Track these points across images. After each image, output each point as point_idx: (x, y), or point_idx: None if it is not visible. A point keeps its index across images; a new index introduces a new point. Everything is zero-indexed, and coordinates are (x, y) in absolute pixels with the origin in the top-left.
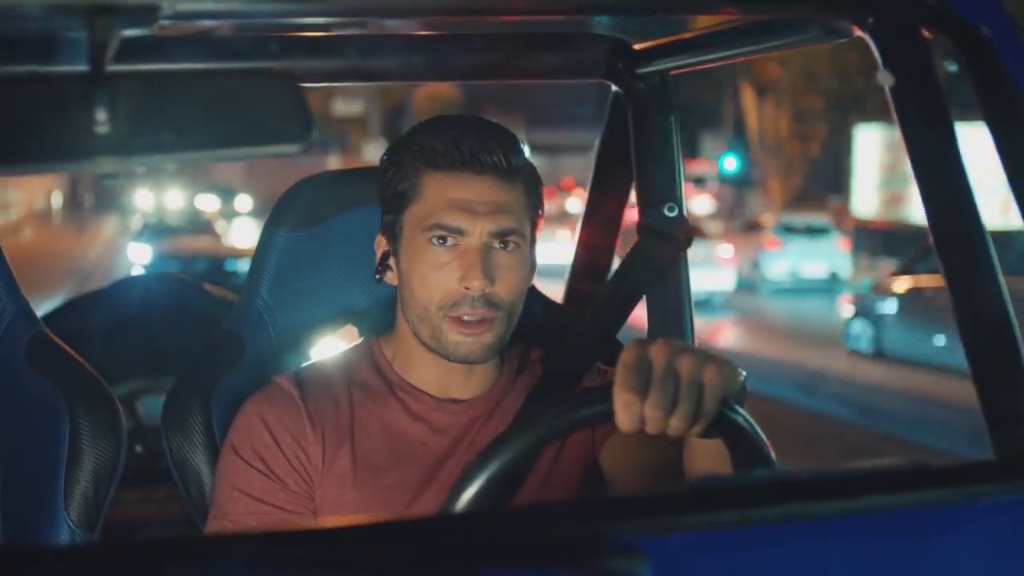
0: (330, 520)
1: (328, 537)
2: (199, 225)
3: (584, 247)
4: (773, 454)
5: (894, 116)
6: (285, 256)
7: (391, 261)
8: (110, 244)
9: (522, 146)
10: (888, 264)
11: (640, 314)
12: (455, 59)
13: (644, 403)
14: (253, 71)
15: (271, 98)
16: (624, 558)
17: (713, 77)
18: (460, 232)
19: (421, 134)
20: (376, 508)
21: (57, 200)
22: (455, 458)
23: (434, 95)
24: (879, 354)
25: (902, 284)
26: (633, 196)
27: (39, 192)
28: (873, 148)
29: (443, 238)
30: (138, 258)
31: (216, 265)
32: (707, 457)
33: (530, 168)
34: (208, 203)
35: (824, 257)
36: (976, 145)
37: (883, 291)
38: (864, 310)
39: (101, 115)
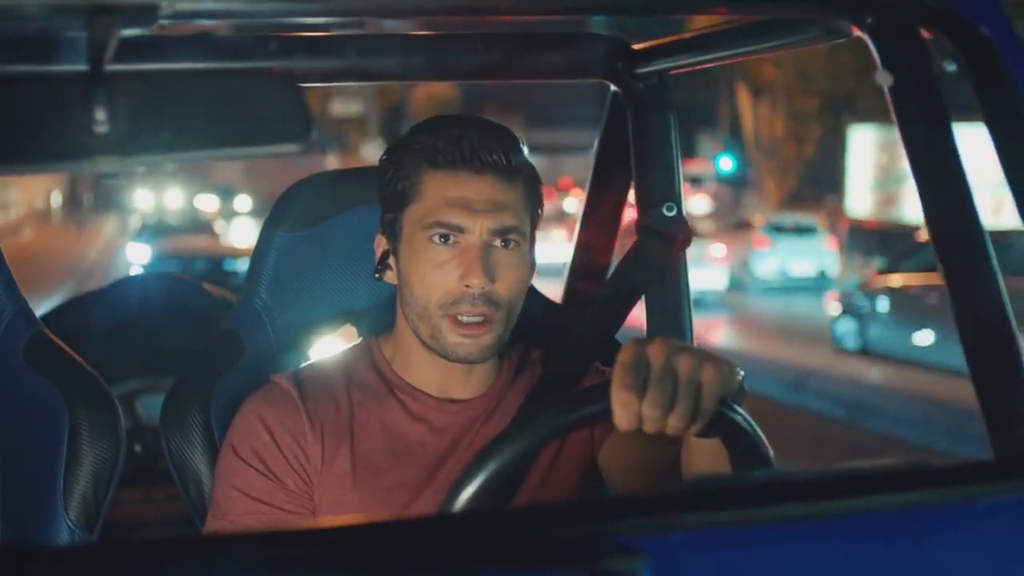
0: (329, 520)
1: (327, 537)
2: (198, 225)
3: (583, 247)
4: (772, 454)
5: (892, 116)
6: (284, 256)
7: (391, 260)
8: (109, 244)
9: (523, 145)
10: (900, 266)
11: (639, 314)
12: (455, 59)
13: (642, 402)
14: (253, 71)
15: (271, 98)
16: (623, 558)
17: (709, 78)
18: (460, 230)
19: (421, 133)
20: (375, 508)
21: (57, 200)
22: (454, 458)
23: (433, 95)
24: (864, 351)
25: (886, 282)
26: (632, 196)
27: (39, 192)
28: (867, 149)
29: (444, 236)
30: (137, 258)
31: (215, 265)
32: (705, 456)
33: (530, 167)
34: (208, 203)
35: (813, 256)
36: (966, 147)
37: (868, 289)
38: (850, 308)
39: (100, 115)
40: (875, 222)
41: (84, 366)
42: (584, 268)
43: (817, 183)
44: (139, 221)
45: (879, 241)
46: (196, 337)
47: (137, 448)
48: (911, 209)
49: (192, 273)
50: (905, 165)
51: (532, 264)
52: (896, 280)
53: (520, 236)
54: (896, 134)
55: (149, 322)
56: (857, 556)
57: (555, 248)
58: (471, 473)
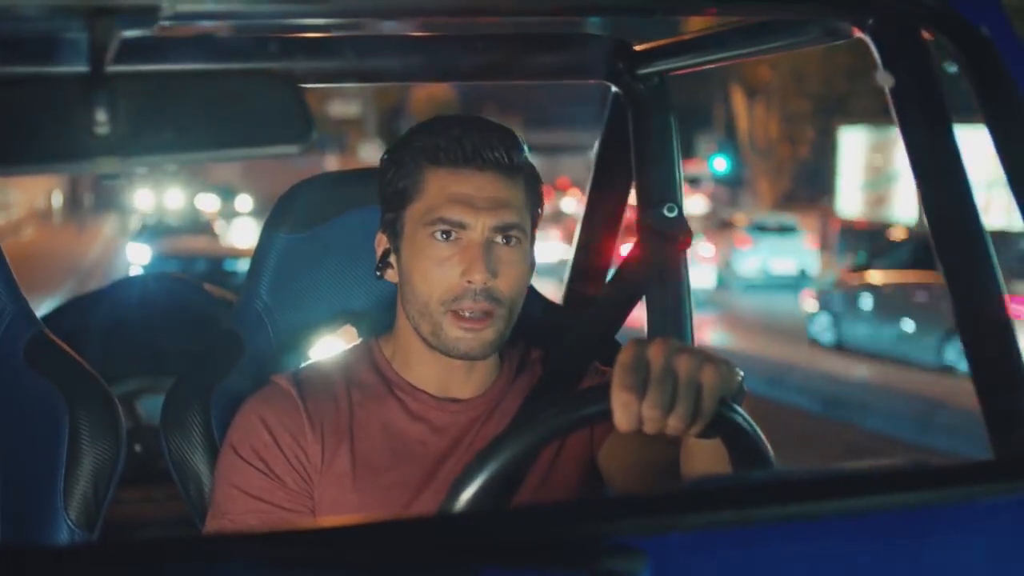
0: (329, 520)
1: (327, 537)
2: (198, 225)
3: (584, 247)
4: (772, 453)
5: (893, 116)
6: (284, 257)
7: (392, 259)
8: (110, 244)
9: (523, 145)
10: (873, 263)
11: (639, 315)
12: (455, 60)
13: (642, 403)
14: (253, 72)
15: (271, 99)
16: (623, 558)
17: (705, 79)
18: (462, 226)
19: (422, 133)
20: (375, 508)
21: (57, 200)
22: (454, 458)
23: (432, 96)
24: (839, 346)
25: (860, 279)
26: (632, 196)
27: (40, 192)
28: (857, 150)
29: (446, 232)
30: (137, 258)
31: (215, 265)
32: (705, 457)
33: (531, 166)
34: (208, 203)
35: (793, 255)
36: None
37: (843, 286)
38: (826, 304)
39: (101, 116)
40: (865, 222)
41: (84, 366)
42: (585, 268)
43: (811, 184)
44: (139, 221)
45: (869, 241)
46: (196, 337)
47: (137, 448)
48: (900, 209)
49: (192, 273)
50: (894, 166)
51: (532, 263)
52: (869, 277)
53: (521, 233)
54: (885, 135)
55: (149, 322)
56: (857, 556)
57: (551, 247)
58: (471, 473)
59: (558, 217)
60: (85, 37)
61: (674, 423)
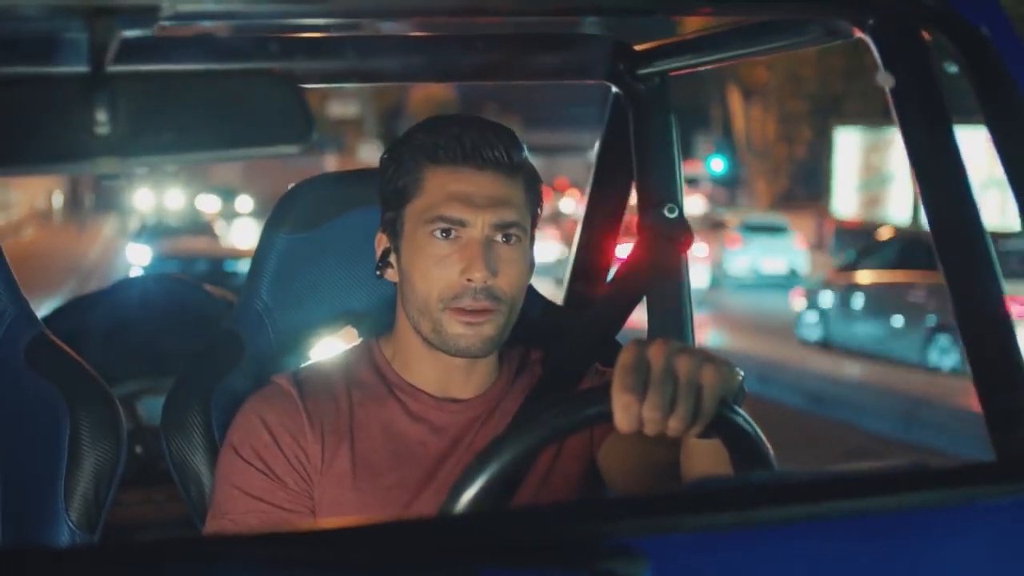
0: (329, 520)
1: (327, 537)
2: (198, 226)
3: (584, 248)
4: (773, 454)
5: (893, 116)
6: (285, 257)
7: (391, 258)
8: (110, 244)
9: (523, 144)
10: (861, 263)
11: (639, 316)
12: (456, 60)
13: (642, 404)
14: (253, 72)
15: (271, 99)
16: (623, 559)
17: (702, 80)
18: (462, 224)
19: (421, 132)
20: (375, 508)
21: (58, 200)
22: (454, 458)
23: (431, 96)
24: (826, 344)
25: (847, 279)
26: (633, 197)
27: (40, 192)
28: (852, 150)
29: (446, 231)
30: (137, 259)
31: (215, 266)
32: (705, 458)
33: (530, 166)
34: (209, 204)
35: (783, 254)
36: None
37: (830, 285)
38: (813, 303)
39: (101, 116)
40: (860, 222)
41: (85, 367)
42: (585, 269)
43: (807, 184)
44: (139, 222)
45: (864, 241)
46: (197, 338)
47: (138, 449)
48: (895, 210)
49: (193, 274)
50: (889, 167)
51: (532, 262)
52: (856, 277)
53: (521, 231)
54: (880, 136)
55: (150, 323)
56: (857, 557)
57: (549, 247)
58: (471, 474)
59: (556, 217)
60: (85, 37)
61: (674, 424)
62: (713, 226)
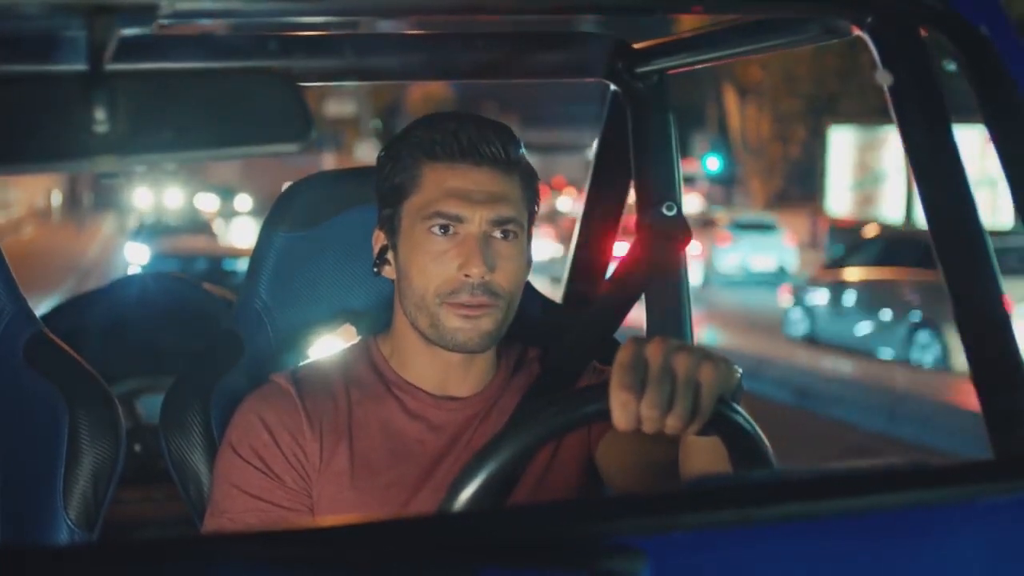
0: (328, 519)
1: (326, 536)
2: (197, 225)
3: (583, 246)
4: (772, 452)
5: (892, 116)
6: (284, 256)
7: (389, 255)
8: (109, 242)
9: (520, 141)
10: (846, 260)
11: (638, 314)
12: (454, 58)
13: (640, 402)
14: (252, 70)
15: (270, 97)
16: (623, 558)
17: (697, 79)
18: (459, 220)
19: (419, 128)
20: (374, 506)
21: (57, 199)
22: (452, 456)
23: (429, 95)
24: (812, 340)
25: (833, 276)
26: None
27: (39, 191)
28: (846, 149)
29: (444, 227)
30: (135, 258)
31: (215, 265)
32: (704, 455)
33: (527, 162)
34: (208, 203)
35: (772, 251)
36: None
37: (816, 282)
38: (800, 300)
39: (100, 114)
40: (853, 221)
41: (84, 366)
42: (584, 267)
43: (802, 183)
44: (137, 221)
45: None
46: (196, 337)
47: (137, 448)
48: (888, 208)
49: (192, 273)
50: (882, 166)
51: (529, 259)
52: (841, 274)
53: (518, 227)
54: (873, 135)
55: (149, 321)
56: (857, 556)
57: (544, 245)
58: (470, 472)
59: (553, 216)
60: (84, 35)
61: (673, 422)
62: (704, 224)
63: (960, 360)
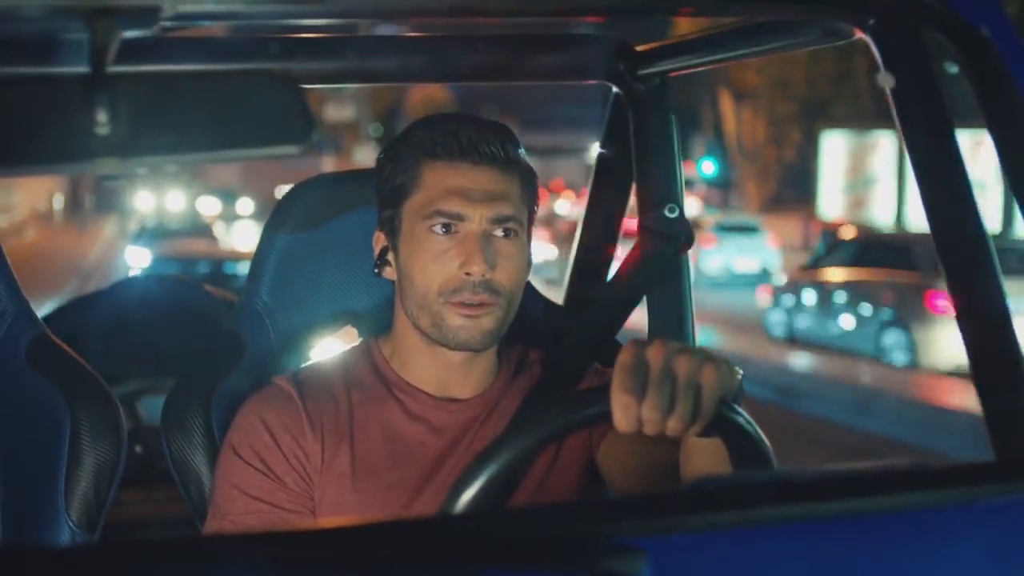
0: (329, 520)
1: (327, 538)
2: (197, 228)
3: (584, 248)
4: (772, 453)
5: (894, 117)
6: (285, 258)
7: (389, 256)
8: (110, 245)
9: (519, 140)
10: (823, 262)
11: (639, 316)
12: (456, 60)
13: (641, 404)
14: (254, 72)
15: (272, 99)
16: (623, 558)
17: (693, 83)
18: (460, 218)
19: (418, 129)
20: (375, 508)
21: (59, 202)
22: (453, 458)
23: (429, 98)
24: (791, 339)
25: (811, 277)
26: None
27: (41, 194)
28: (838, 153)
29: (445, 226)
30: (136, 261)
31: (216, 268)
32: (705, 457)
33: (526, 162)
34: (209, 206)
35: (756, 253)
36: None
37: (795, 283)
38: (779, 300)
39: (102, 116)
40: (845, 224)
41: (86, 367)
42: (585, 269)
43: (796, 187)
44: (137, 224)
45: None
46: (197, 338)
47: (138, 449)
48: (879, 212)
49: (193, 276)
50: (873, 169)
51: (529, 259)
52: (819, 275)
53: (518, 226)
54: (865, 139)
55: (150, 323)
56: (857, 556)
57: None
58: (471, 474)
59: (551, 219)
60: (86, 37)
61: (673, 424)
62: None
63: (927, 357)
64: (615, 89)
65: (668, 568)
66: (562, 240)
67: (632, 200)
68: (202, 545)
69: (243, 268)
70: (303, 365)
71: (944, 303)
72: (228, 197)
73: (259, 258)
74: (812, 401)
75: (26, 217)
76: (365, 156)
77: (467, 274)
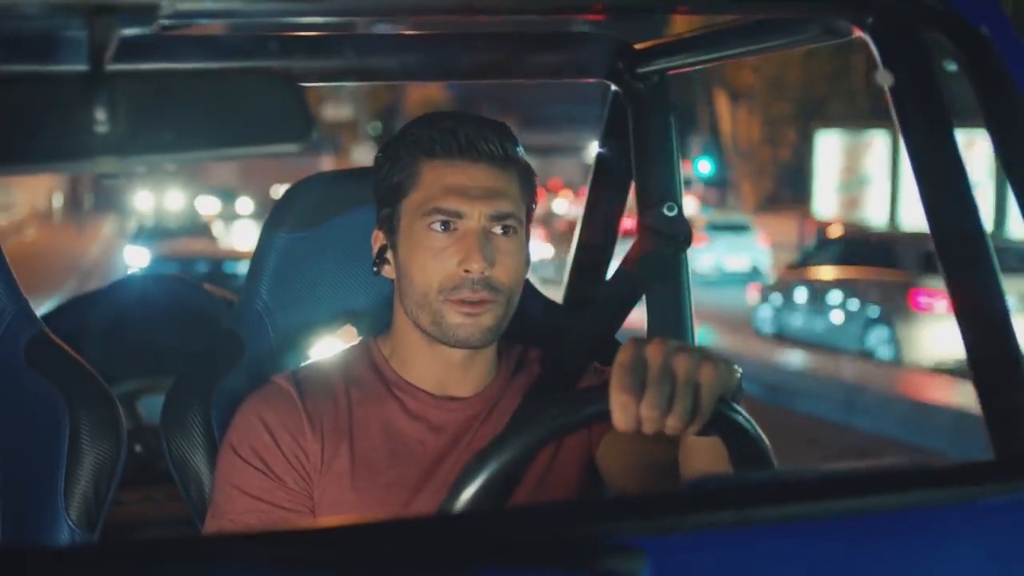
0: (329, 520)
1: (327, 537)
2: (196, 227)
3: (583, 247)
4: (772, 452)
5: (893, 116)
6: (284, 257)
7: (388, 254)
8: (109, 244)
9: (517, 138)
10: (817, 260)
11: (638, 315)
12: (455, 59)
13: (640, 403)
14: (253, 70)
15: (271, 97)
16: (623, 558)
17: (689, 82)
18: (458, 215)
19: (416, 127)
20: (374, 507)
21: (58, 200)
22: (453, 457)
23: (427, 97)
24: (780, 336)
25: (798, 275)
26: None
27: (41, 193)
28: (832, 153)
29: (444, 223)
30: (134, 260)
31: (215, 267)
32: (704, 455)
33: (524, 160)
34: (208, 205)
35: (746, 252)
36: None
37: (783, 281)
38: (767, 298)
39: (101, 114)
40: (840, 223)
41: (85, 366)
42: (585, 268)
43: (792, 186)
44: (136, 223)
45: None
46: (196, 337)
47: (138, 448)
48: (873, 211)
49: (192, 276)
50: (868, 169)
51: (528, 256)
52: (806, 273)
53: (517, 223)
54: (859, 139)
55: (149, 322)
56: (857, 556)
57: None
58: (470, 473)
59: (548, 218)
60: (85, 35)
61: (672, 423)
62: None
63: (910, 354)
64: (614, 87)
65: (668, 568)
66: (558, 239)
67: (631, 198)
68: (202, 545)
69: (242, 267)
70: (302, 364)
71: (927, 301)
72: (227, 196)
73: (258, 257)
74: (800, 398)
75: (25, 216)
76: (363, 155)
77: (466, 271)
